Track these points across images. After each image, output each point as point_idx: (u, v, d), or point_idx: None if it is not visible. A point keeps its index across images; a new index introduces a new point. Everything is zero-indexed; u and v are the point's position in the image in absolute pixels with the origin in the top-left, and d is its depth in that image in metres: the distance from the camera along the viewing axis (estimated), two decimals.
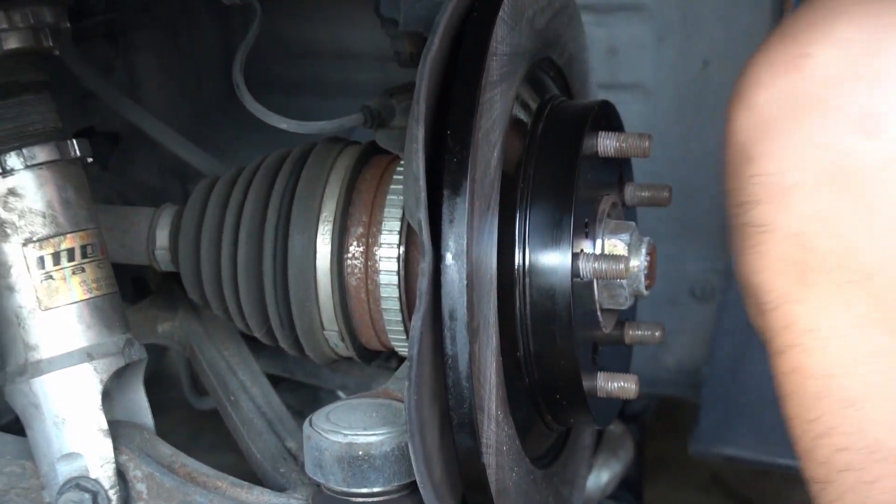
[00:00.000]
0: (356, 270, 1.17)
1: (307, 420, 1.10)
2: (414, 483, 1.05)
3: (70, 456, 1.10)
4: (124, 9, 1.51)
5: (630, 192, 1.28)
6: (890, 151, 1.06)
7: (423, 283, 1.01)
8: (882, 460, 1.15)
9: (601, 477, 1.42)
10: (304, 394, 1.48)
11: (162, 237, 1.30)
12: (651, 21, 1.74)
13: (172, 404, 1.49)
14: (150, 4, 1.54)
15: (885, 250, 1.10)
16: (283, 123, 1.26)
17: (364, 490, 1.08)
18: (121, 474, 1.11)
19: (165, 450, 1.15)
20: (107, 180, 1.67)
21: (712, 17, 1.71)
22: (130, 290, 1.59)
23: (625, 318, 1.28)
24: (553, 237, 1.13)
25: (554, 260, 1.13)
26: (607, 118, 1.24)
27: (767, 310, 1.15)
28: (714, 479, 2.69)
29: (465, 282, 1.01)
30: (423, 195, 1.01)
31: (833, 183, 1.08)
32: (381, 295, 1.17)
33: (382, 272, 1.16)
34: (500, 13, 1.06)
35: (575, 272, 1.12)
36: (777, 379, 1.17)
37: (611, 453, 1.42)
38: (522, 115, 1.17)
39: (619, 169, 1.28)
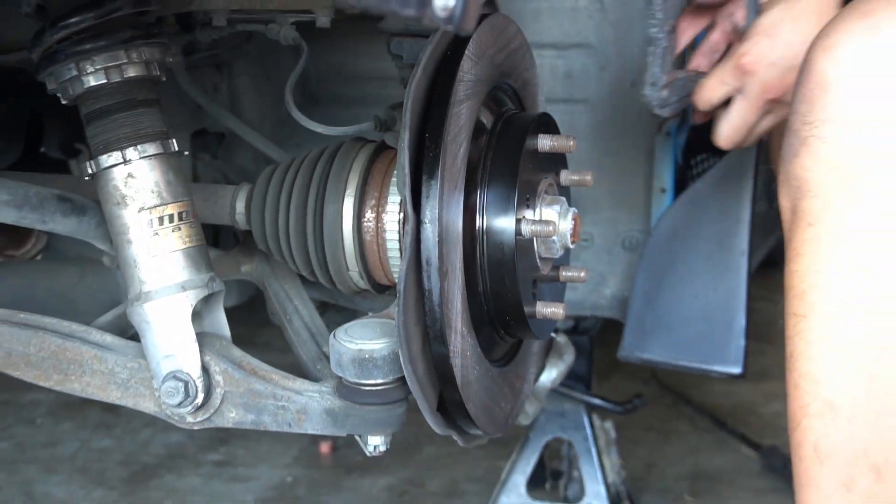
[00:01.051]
0: (370, 230, 1.18)
1: (332, 333, 1.11)
2: (404, 377, 1.06)
3: (169, 357, 1.11)
4: (225, 46, 1.49)
5: (563, 177, 1.27)
6: None
7: (407, 240, 1.02)
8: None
9: (551, 374, 1.41)
10: (347, 314, 1.46)
11: (240, 206, 1.30)
12: (595, 56, 1.72)
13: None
14: (242, 43, 1.53)
15: None
16: (319, 128, 1.28)
17: (370, 381, 1.09)
18: (205, 369, 1.12)
19: (236, 352, 1.16)
20: (216, 166, 1.67)
21: (636, 52, 1.68)
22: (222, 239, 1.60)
23: (559, 263, 1.27)
24: (503, 208, 1.13)
25: (503, 223, 1.13)
26: (546, 125, 1.23)
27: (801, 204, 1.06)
28: (652, 374, 2.68)
29: (436, 238, 1.02)
30: (408, 179, 1.02)
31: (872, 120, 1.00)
32: (387, 247, 1.17)
33: (388, 231, 1.17)
34: (465, 52, 1.07)
35: (518, 232, 1.12)
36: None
37: (558, 357, 1.42)
38: (486, 123, 1.17)
39: (554, 160, 1.26)
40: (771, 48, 1.24)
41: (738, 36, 1.31)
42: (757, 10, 1.28)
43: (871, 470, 1.04)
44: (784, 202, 1.08)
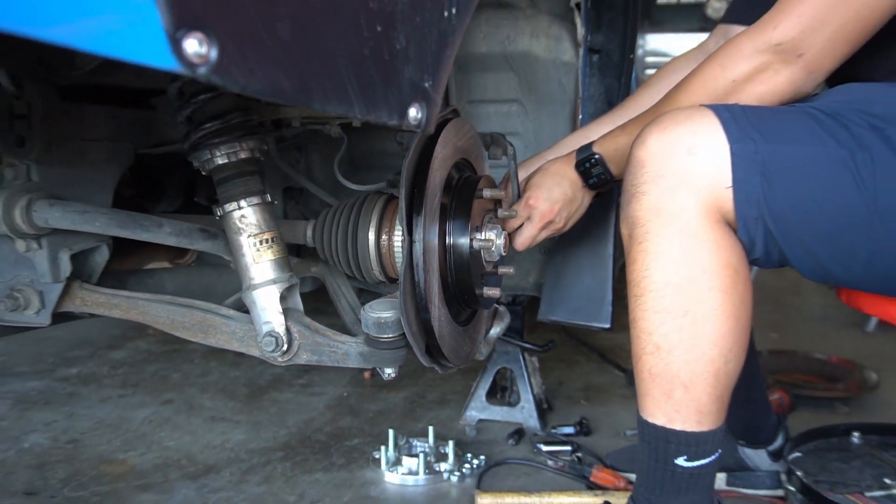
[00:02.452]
0: (384, 246, 1.18)
1: (362, 307, 1.12)
2: (404, 333, 1.07)
3: (267, 322, 1.12)
4: (301, 137, 1.49)
5: (499, 213, 1.25)
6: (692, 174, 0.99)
7: (405, 253, 1.03)
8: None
9: (496, 329, 1.39)
10: (373, 295, 1.45)
11: (309, 232, 1.30)
12: (521, 139, 1.71)
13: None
14: (311, 135, 1.51)
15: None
16: (355, 186, 1.28)
17: (384, 336, 1.09)
18: (287, 330, 1.12)
19: (307, 319, 1.16)
20: (297, 208, 1.68)
21: (544, 138, 1.67)
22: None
23: (498, 263, 1.25)
24: (462, 232, 1.12)
25: (462, 241, 1.12)
26: (489, 182, 1.22)
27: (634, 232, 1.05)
28: (563, 329, 2.67)
29: (422, 251, 1.03)
30: (405, 216, 1.03)
31: (667, 179, 1.00)
32: (395, 256, 1.17)
33: (395, 247, 1.16)
34: (437, 141, 1.08)
35: (471, 247, 1.12)
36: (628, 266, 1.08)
37: (500, 319, 1.40)
38: (452, 182, 1.16)
39: (493, 203, 1.25)
40: (540, 192, 1.25)
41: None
42: (518, 181, 1.32)
43: (681, 385, 1.03)
44: (624, 231, 1.07)
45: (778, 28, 1.01)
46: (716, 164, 0.98)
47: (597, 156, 1.22)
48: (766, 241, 1.01)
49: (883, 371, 2.29)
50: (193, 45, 0.48)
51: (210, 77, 0.49)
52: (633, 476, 1.57)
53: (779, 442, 1.57)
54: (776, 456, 1.56)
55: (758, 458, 1.57)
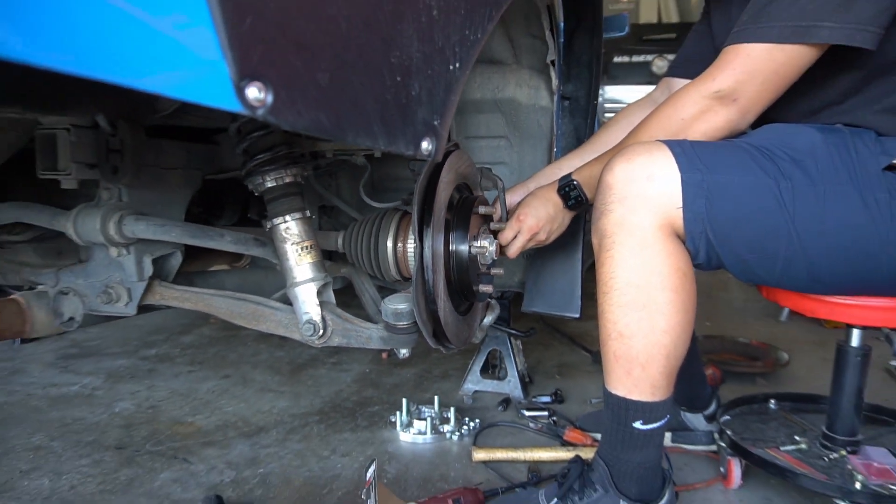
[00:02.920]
0: (400, 252, 1.17)
1: (383, 300, 1.11)
2: (416, 321, 1.06)
3: (306, 313, 1.11)
4: (333, 164, 1.47)
5: (492, 225, 1.25)
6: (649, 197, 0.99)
7: (417, 257, 1.02)
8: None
9: (489, 318, 1.38)
10: (391, 291, 1.44)
11: (340, 241, 1.29)
12: (508, 167, 1.69)
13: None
14: (341, 163, 1.48)
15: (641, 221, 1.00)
16: (377, 204, 1.27)
17: (400, 323, 1.08)
18: (323, 318, 1.12)
19: (338, 310, 1.15)
20: (330, 222, 1.67)
21: (527, 167, 1.66)
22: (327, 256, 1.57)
23: (490, 266, 1.24)
24: (462, 241, 1.12)
25: (462, 248, 1.12)
26: (482, 201, 1.22)
27: (603, 241, 1.04)
28: (541, 318, 2.66)
29: (431, 255, 1.02)
30: (416, 228, 1.02)
31: (630, 200, 1.01)
32: (409, 260, 1.16)
33: (409, 252, 1.16)
34: (443, 168, 1.07)
35: (469, 252, 1.12)
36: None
37: (492, 310, 1.39)
38: (454, 201, 1.16)
39: (487, 217, 1.25)
40: (529, 210, 1.24)
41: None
42: (505, 203, 1.30)
43: (639, 365, 1.03)
44: (594, 241, 1.07)
45: (717, 79, 1.02)
46: (669, 190, 0.98)
47: (575, 182, 1.22)
48: (708, 250, 1.01)
49: (792, 351, 2.29)
50: (254, 92, 0.48)
51: (267, 117, 0.50)
52: (597, 435, 1.56)
53: (712, 408, 1.56)
54: (710, 419, 1.55)
55: (696, 420, 1.56)
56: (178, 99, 0.46)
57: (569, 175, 1.24)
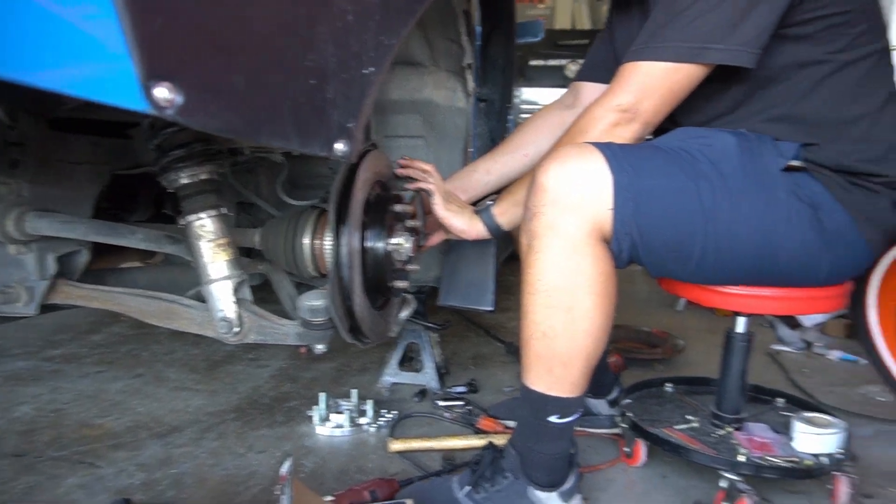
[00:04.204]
0: (318, 249, 1.16)
1: (299, 296, 1.10)
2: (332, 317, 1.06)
3: (221, 310, 1.08)
4: (252, 161, 1.43)
5: (408, 223, 1.24)
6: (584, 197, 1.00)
7: (333, 255, 1.02)
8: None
9: (404, 312, 1.39)
10: (308, 287, 1.42)
11: (257, 238, 1.26)
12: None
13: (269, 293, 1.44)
14: (260, 160, 1.45)
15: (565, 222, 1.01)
16: (293, 202, 1.25)
17: (316, 319, 1.08)
18: (238, 315, 1.09)
19: (255, 307, 1.13)
20: (249, 219, 1.62)
21: (444, 167, 1.67)
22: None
23: (406, 262, 1.24)
24: (378, 238, 1.12)
25: (378, 245, 1.12)
26: (398, 198, 1.23)
27: (533, 243, 1.04)
28: (457, 311, 2.68)
29: (347, 253, 1.02)
30: (333, 226, 1.02)
31: (562, 203, 1.01)
32: (326, 257, 1.14)
33: (327, 249, 1.13)
34: (360, 167, 1.07)
35: (385, 249, 1.12)
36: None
37: (407, 305, 1.40)
38: (371, 200, 1.15)
39: (404, 215, 1.24)
40: (448, 214, 1.25)
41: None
42: (423, 207, 1.31)
43: (560, 364, 1.06)
44: (523, 241, 1.08)
45: (618, 95, 1.05)
46: (601, 194, 1.00)
47: (495, 221, 1.23)
48: (630, 251, 1.04)
49: (688, 339, 2.43)
50: (163, 93, 0.48)
51: (175, 118, 0.49)
52: (510, 423, 1.60)
53: (615, 393, 1.63)
54: (612, 404, 1.63)
55: (600, 405, 1.63)
56: (82, 98, 0.45)
57: (490, 211, 1.24)
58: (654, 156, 1.04)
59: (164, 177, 1.10)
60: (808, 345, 2.43)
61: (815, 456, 1.26)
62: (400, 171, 1.28)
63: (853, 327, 1.89)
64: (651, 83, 1.03)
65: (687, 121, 1.16)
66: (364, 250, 1.12)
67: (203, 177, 1.10)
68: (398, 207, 1.19)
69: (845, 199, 1.07)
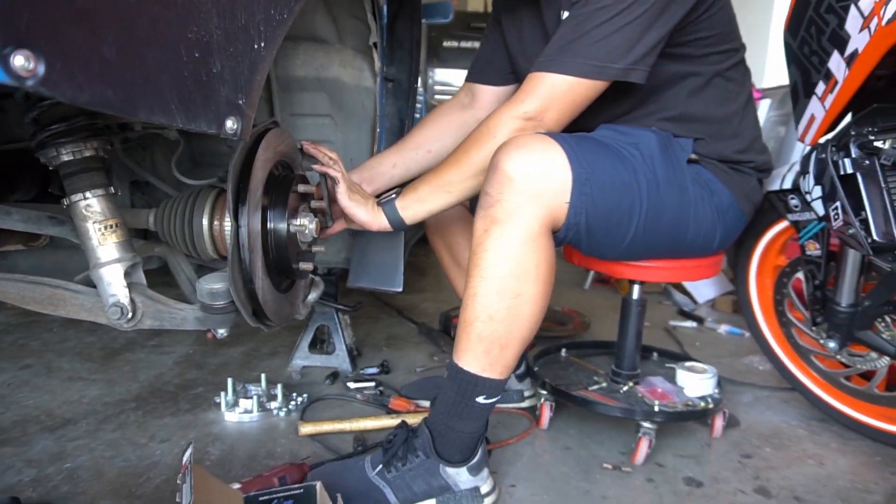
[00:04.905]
0: (216, 230, 1.12)
1: (198, 280, 1.07)
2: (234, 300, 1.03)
3: (112, 295, 1.03)
4: (146, 137, 1.36)
5: (313, 204, 1.24)
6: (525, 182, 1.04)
7: (232, 237, 0.99)
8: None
9: (313, 294, 1.37)
10: (209, 270, 1.37)
11: (151, 219, 1.20)
12: (334, 145, 1.67)
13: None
14: (154, 136, 1.37)
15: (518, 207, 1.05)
16: (189, 181, 1.20)
17: (217, 303, 1.05)
18: (132, 300, 1.05)
19: (149, 291, 1.08)
20: (144, 199, 1.55)
21: (353, 145, 1.65)
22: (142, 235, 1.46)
23: (312, 243, 1.23)
24: (281, 219, 1.10)
25: (281, 226, 1.10)
26: (303, 178, 1.20)
27: (491, 228, 1.06)
28: (370, 292, 2.67)
29: (247, 234, 1.00)
30: (231, 207, 0.99)
31: (524, 192, 1.04)
32: (225, 239, 1.11)
33: (225, 231, 1.10)
34: (260, 146, 1.04)
35: (288, 230, 1.10)
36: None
37: (315, 287, 1.38)
38: (274, 179, 1.12)
39: (308, 196, 1.23)
40: (351, 204, 1.24)
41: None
42: (328, 192, 1.29)
43: (499, 346, 1.10)
44: (479, 225, 1.08)
45: (525, 102, 1.12)
46: (562, 186, 1.07)
47: (398, 214, 1.23)
48: (574, 238, 1.14)
49: (594, 317, 2.55)
50: (21, 61, 0.44)
51: (38, 89, 0.45)
52: (422, 402, 1.63)
53: (521, 369, 1.69)
54: (520, 378, 1.68)
55: (510, 381, 1.68)
56: None
57: (394, 207, 1.23)
58: (603, 152, 1.14)
59: (43, 153, 1.02)
60: (701, 320, 2.60)
61: (702, 398, 1.48)
62: (307, 148, 1.26)
63: (738, 303, 2.04)
64: (556, 94, 1.11)
65: (591, 121, 1.25)
66: (265, 232, 1.09)
67: (87, 153, 1.03)
68: (302, 188, 1.16)
69: (728, 182, 1.28)
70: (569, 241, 1.15)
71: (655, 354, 1.75)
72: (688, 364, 1.57)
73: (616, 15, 1.06)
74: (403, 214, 1.23)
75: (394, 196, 1.24)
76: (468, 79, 1.51)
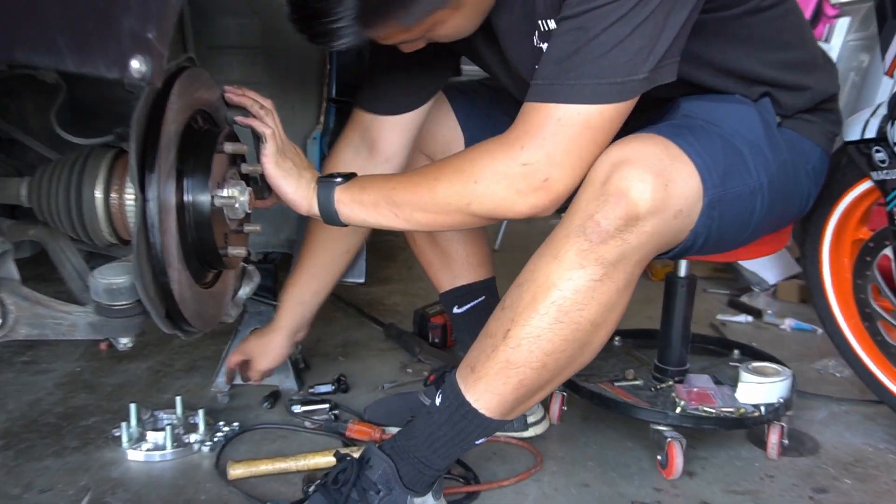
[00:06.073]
0: (115, 206, 1.12)
1: (91, 273, 1.07)
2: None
3: None
4: (12, 81, 1.34)
5: (243, 168, 1.25)
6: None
7: (138, 213, 0.99)
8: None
9: (245, 290, 1.38)
10: (107, 259, 1.36)
11: (24, 191, 1.19)
12: (267, 89, 1.67)
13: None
14: (25, 80, 1.34)
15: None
16: (75, 139, 1.19)
17: (117, 303, 1.06)
18: (1, 302, 1.05)
19: (24, 289, 1.08)
20: (10, 163, 1.52)
21: (286, 83, 1.64)
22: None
23: (244, 220, 1.25)
24: (202, 189, 1.10)
25: (202, 199, 1.10)
26: (233, 136, 1.21)
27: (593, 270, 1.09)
28: None
29: (157, 210, 1.00)
30: (136, 173, 0.99)
31: (644, 232, 1.07)
32: (128, 216, 1.12)
33: (128, 205, 1.11)
34: (172, 91, 1.04)
35: (212, 204, 1.10)
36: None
37: (249, 279, 1.39)
38: (191, 135, 1.12)
39: (237, 157, 1.24)
40: (279, 173, 1.24)
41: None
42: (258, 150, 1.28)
43: (533, 392, 1.17)
44: (572, 256, 1.08)
45: (525, 150, 1.08)
46: (688, 221, 1.12)
47: (334, 206, 1.24)
48: (671, 256, 1.22)
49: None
50: None
51: None
52: (391, 428, 1.65)
53: None
54: None
55: None
56: None
57: (333, 195, 1.24)
58: (730, 155, 1.19)
59: None
60: (759, 313, 2.66)
61: (756, 407, 1.56)
62: (231, 97, 1.26)
63: (807, 290, 2.08)
64: (569, 133, 1.06)
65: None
66: (182, 206, 1.09)
67: None
68: (230, 147, 1.17)
69: (811, 133, 1.37)
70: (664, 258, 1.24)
71: (737, 352, 1.85)
72: (755, 364, 1.64)
73: (630, 10, 1.01)
74: (340, 209, 1.23)
75: (338, 181, 1.24)
76: (362, 106, 1.51)
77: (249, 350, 1.69)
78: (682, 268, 1.61)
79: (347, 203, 1.22)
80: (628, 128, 1.13)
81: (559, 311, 1.09)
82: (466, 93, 1.61)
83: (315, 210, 1.25)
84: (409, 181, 1.19)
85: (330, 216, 1.24)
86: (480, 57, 1.39)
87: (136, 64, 0.68)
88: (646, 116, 1.25)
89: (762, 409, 1.55)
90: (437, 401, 1.22)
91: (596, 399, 1.59)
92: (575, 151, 1.07)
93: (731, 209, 1.18)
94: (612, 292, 1.09)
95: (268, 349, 1.68)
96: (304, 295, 1.64)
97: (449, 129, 1.58)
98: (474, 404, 1.16)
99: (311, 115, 1.75)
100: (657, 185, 1.05)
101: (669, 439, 1.50)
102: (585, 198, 1.08)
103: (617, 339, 1.89)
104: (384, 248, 3.04)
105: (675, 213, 1.09)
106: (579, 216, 1.08)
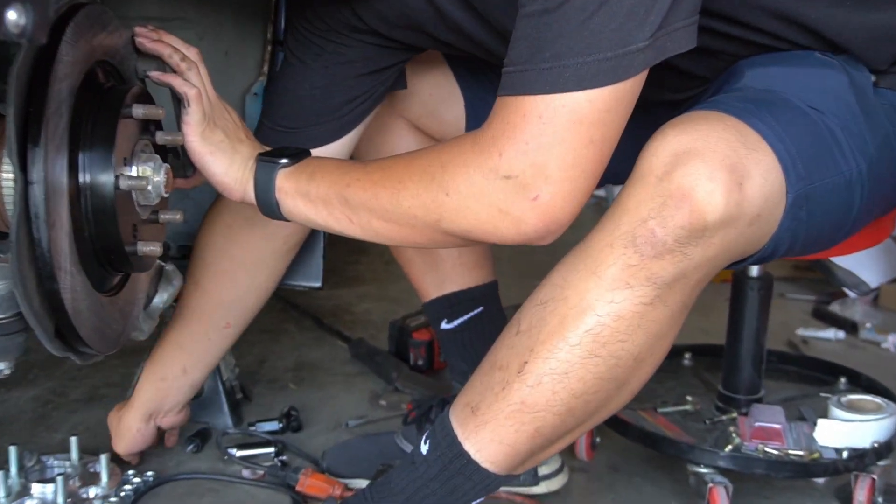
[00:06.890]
0: None
1: None
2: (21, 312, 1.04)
3: None
4: None
5: (158, 137, 1.26)
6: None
7: (18, 199, 1.01)
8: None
9: (163, 296, 1.41)
10: None
11: None
12: (193, 26, 1.68)
13: None
14: None
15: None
16: None
17: None
18: None
19: None
20: None
21: (229, 27, 1.65)
22: None
23: (158, 208, 1.27)
24: (103, 167, 1.11)
25: (103, 179, 1.11)
26: (145, 95, 1.22)
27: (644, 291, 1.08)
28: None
29: (43, 196, 1.01)
30: (15, 147, 1.00)
31: (711, 244, 1.05)
32: (5, 202, 1.11)
33: (4, 189, 1.11)
34: (63, 38, 1.05)
35: (116, 186, 1.12)
36: None
37: (167, 282, 1.41)
38: (88, 96, 1.13)
39: (149, 124, 1.25)
40: (205, 147, 1.27)
41: None
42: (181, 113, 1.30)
43: (552, 442, 1.17)
44: (616, 271, 1.06)
45: (504, 156, 1.06)
46: (768, 227, 1.12)
47: (274, 194, 1.26)
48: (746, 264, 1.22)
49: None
50: None
51: None
52: (356, 481, 1.67)
53: None
54: None
55: None
56: None
57: (275, 179, 1.25)
58: (818, 141, 1.18)
59: None
60: (854, 327, 2.68)
61: (839, 450, 1.57)
62: (143, 43, 1.27)
63: None
64: (558, 133, 1.04)
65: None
66: (77, 190, 1.11)
67: None
68: (140, 110, 1.18)
69: None
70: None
71: (843, 380, 1.87)
72: (853, 396, 1.65)
73: None
74: (282, 200, 1.24)
75: (283, 161, 1.25)
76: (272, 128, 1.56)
77: (109, 420, 1.72)
78: (754, 266, 1.63)
79: (291, 194, 1.23)
80: (658, 117, 1.16)
81: (595, 341, 1.07)
82: (475, 73, 1.64)
83: (251, 197, 1.26)
84: (368, 178, 1.18)
85: (269, 208, 1.25)
86: (444, 20, 1.32)
87: (13, 16, 0.69)
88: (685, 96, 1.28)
89: (844, 454, 1.56)
90: (424, 448, 1.22)
91: (621, 428, 1.61)
92: (567, 158, 1.04)
93: (823, 206, 1.18)
94: (664, 319, 1.08)
95: (121, 427, 1.70)
96: (166, 370, 1.67)
97: (455, 110, 1.64)
98: (475, 456, 1.16)
99: (251, 64, 1.74)
100: (731, 184, 1.02)
101: (711, 485, 1.50)
102: (636, 196, 1.05)
103: (688, 355, 1.91)
104: (351, 241, 3.05)
105: (752, 220, 1.07)
106: (628, 220, 1.05)
